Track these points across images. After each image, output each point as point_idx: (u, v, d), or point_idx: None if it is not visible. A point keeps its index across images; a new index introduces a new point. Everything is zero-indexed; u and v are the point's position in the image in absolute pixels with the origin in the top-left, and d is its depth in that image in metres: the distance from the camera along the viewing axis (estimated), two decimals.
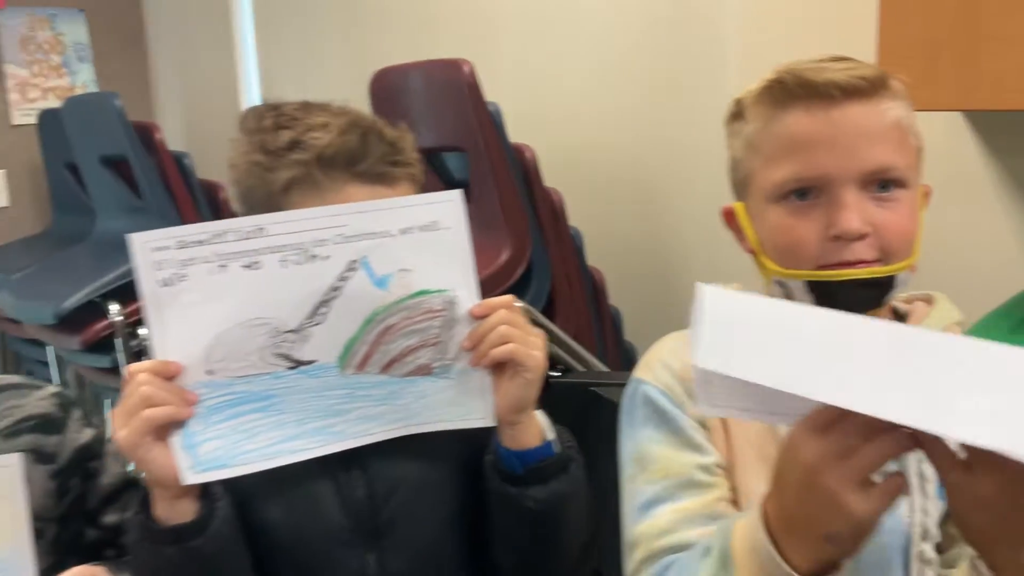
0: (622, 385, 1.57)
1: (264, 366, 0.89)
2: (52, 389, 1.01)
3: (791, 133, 0.85)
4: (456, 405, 0.95)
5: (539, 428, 0.97)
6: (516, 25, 2.36)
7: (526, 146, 1.97)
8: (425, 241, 0.92)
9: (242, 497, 0.92)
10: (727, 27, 1.95)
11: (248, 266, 0.87)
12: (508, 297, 0.94)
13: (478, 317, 0.92)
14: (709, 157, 2.03)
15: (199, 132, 3.34)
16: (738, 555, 0.74)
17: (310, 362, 0.90)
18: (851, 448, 0.64)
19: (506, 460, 0.96)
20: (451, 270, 0.93)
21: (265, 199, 0.96)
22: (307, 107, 0.99)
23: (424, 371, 0.94)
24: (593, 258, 2.10)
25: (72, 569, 0.85)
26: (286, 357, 0.90)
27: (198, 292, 0.87)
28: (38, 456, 0.97)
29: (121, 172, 2.70)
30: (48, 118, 3.12)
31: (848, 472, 0.65)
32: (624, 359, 2.17)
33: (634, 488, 0.94)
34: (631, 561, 0.93)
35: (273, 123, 0.97)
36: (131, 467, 1.01)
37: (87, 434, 1.01)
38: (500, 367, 0.93)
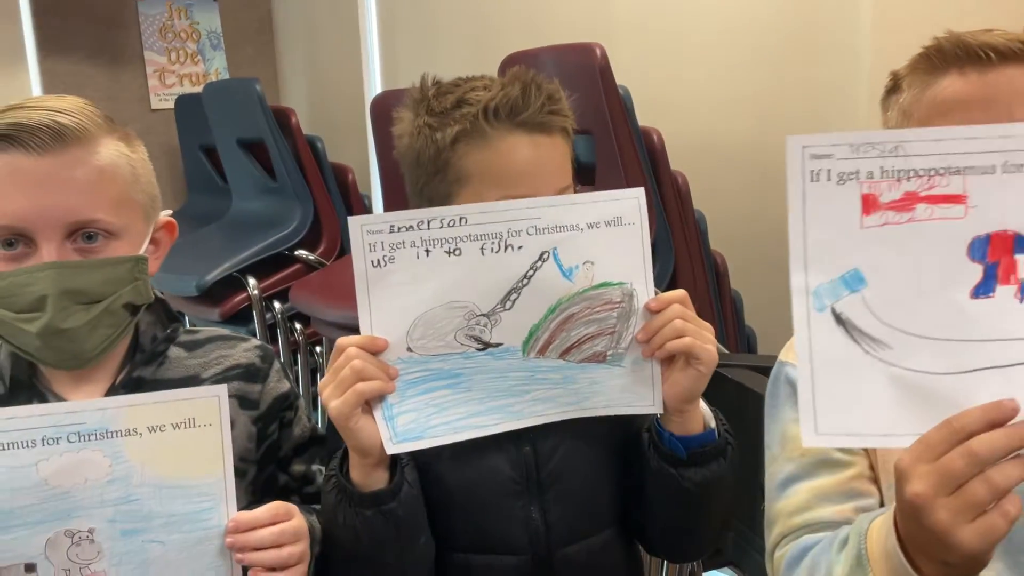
0: (743, 367, 1.62)
1: (457, 346, 0.96)
2: (255, 342, 1.10)
3: (944, 97, 0.87)
4: (626, 392, 1.00)
5: (702, 416, 1.03)
6: (643, 8, 2.39)
7: (654, 129, 2.02)
8: (609, 235, 0.97)
9: (420, 452, 0.99)
10: (859, 10, 1.96)
11: (450, 252, 0.94)
12: (681, 292, 0.99)
13: (654, 311, 0.98)
14: None
15: (324, 118, 3.48)
16: (874, 558, 0.76)
17: (497, 345, 0.97)
18: (962, 480, 0.63)
19: (669, 443, 1.02)
20: (631, 264, 0.98)
21: (434, 156, 1.02)
22: (466, 79, 1.07)
23: (598, 358, 1.00)
24: (716, 242, 2.14)
25: (271, 504, 0.92)
26: (477, 339, 0.97)
27: (404, 273, 0.94)
28: (242, 402, 1.05)
29: (256, 154, 2.85)
30: (185, 103, 3.29)
31: (959, 507, 0.64)
32: (744, 343, 2.21)
33: (775, 468, 1.00)
34: (770, 537, 0.98)
35: (437, 91, 1.05)
36: (314, 422, 1.11)
37: (284, 385, 1.09)
38: (671, 359, 0.98)
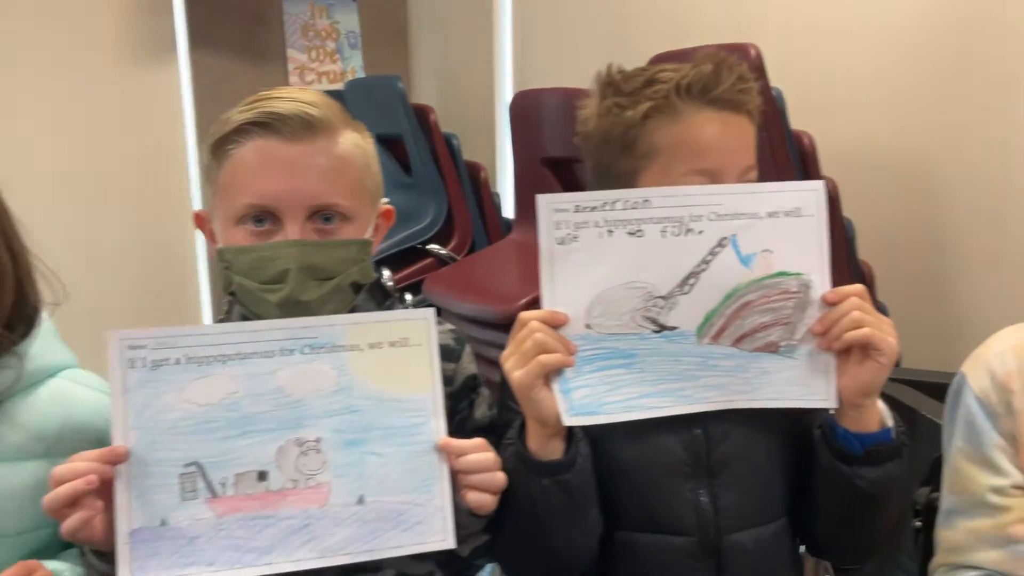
0: (893, 380, 1.57)
1: (633, 327, 0.98)
2: (449, 326, 1.15)
3: None
4: (798, 384, 1.00)
5: (880, 413, 1.01)
6: (792, 8, 2.35)
7: (805, 133, 1.98)
8: (788, 225, 0.98)
9: (592, 428, 1.00)
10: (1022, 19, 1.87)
11: (632, 233, 0.97)
12: (859, 286, 0.99)
13: (831, 303, 0.97)
14: (999, 154, 1.97)
15: (456, 117, 3.54)
16: None
17: (672, 328, 0.98)
18: None
19: (844, 439, 1.00)
20: (809, 255, 0.99)
21: (622, 134, 1.05)
22: (648, 66, 1.10)
23: (771, 348, 1.00)
24: (864, 251, 2.08)
25: (475, 439, 0.97)
26: (653, 321, 0.98)
27: (587, 252, 0.96)
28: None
29: (393, 150, 2.91)
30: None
31: None
32: None
33: (944, 491, 1.02)
34: (936, 558, 1.01)
35: (624, 75, 1.08)
36: (493, 411, 1.13)
37: (473, 368, 1.14)
38: (847, 352, 0.97)
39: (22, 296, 1.04)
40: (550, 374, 0.95)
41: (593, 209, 0.96)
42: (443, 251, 2.77)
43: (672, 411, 0.99)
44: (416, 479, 0.95)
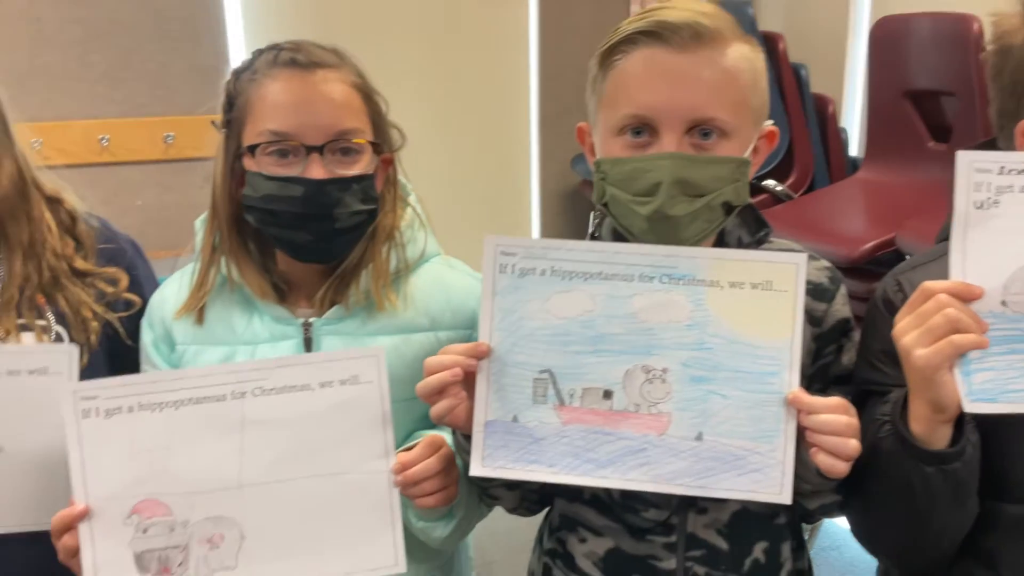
0: None
1: None
2: (825, 263, 1.08)
3: None
4: None
5: None
6: None
7: None
8: None
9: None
10: None
11: None
12: None
13: None
14: None
15: (804, 47, 3.35)
16: None
17: None
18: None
19: None
20: None
21: None
22: None
23: None
24: None
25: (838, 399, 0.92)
26: None
27: (1008, 220, 0.86)
28: (807, 317, 1.03)
29: None
30: None
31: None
32: None
33: None
34: None
35: None
36: None
37: (847, 311, 1.07)
38: None
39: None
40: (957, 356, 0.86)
41: (1020, 172, 0.85)
42: (780, 187, 2.65)
43: None
44: (759, 427, 0.93)
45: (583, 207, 3.66)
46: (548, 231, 3.74)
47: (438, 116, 3.45)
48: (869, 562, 1.12)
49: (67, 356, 1.05)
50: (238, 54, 3.16)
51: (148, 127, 3.06)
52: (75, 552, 0.98)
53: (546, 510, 1.18)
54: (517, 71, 3.59)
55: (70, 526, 0.97)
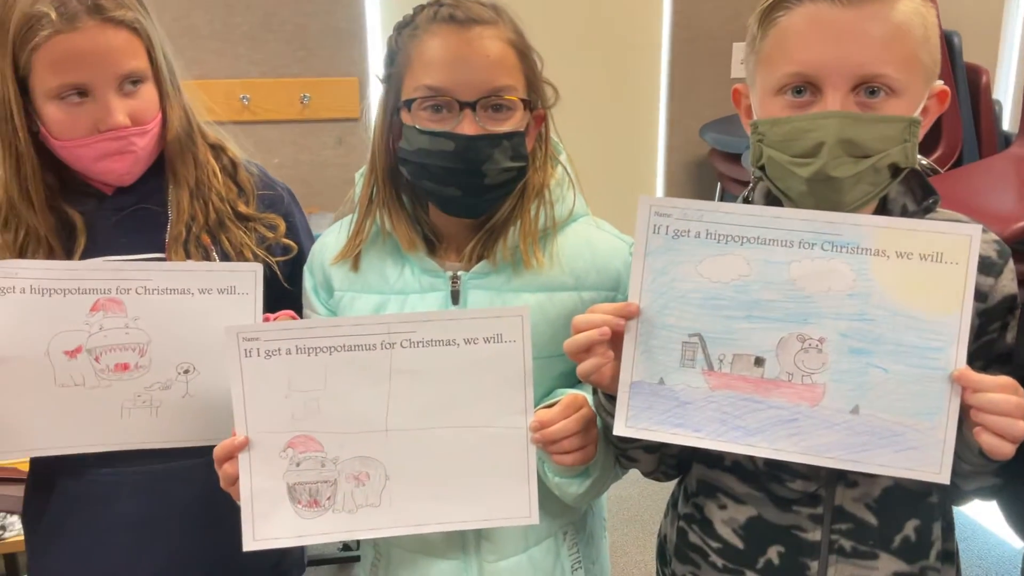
0: None
1: None
2: (993, 236, 1.04)
3: None
4: None
5: None
6: None
7: None
8: None
9: None
10: None
11: None
12: None
13: None
14: None
15: (957, 13, 3.18)
16: None
17: None
18: None
19: None
20: None
21: None
22: None
23: None
24: None
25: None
26: None
27: None
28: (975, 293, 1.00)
29: None
30: None
31: None
32: None
33: None
34: None
35: None
36: None
37: (1013, 287, 1.02)
38: None
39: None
40: None
41: None
42: (925, 161, 2.52)
43: None
44: (920, 404, 0.90)
45: (710, 177, 3.59)
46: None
47: (565, 80, 3.44)
48: (997, 557, 1.08)
49: (253, 276, 1.12)
50: (374, 18, 3.22)
51: (286, 87, 3.17)
52: (234, 480, 1.03)
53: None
54: (648, 36, 3.53)
55: (231, 455, 1.03)
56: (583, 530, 1.25)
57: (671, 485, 1.21)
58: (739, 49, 3.47)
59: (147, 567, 1.26)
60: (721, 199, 3.35)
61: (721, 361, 0.94)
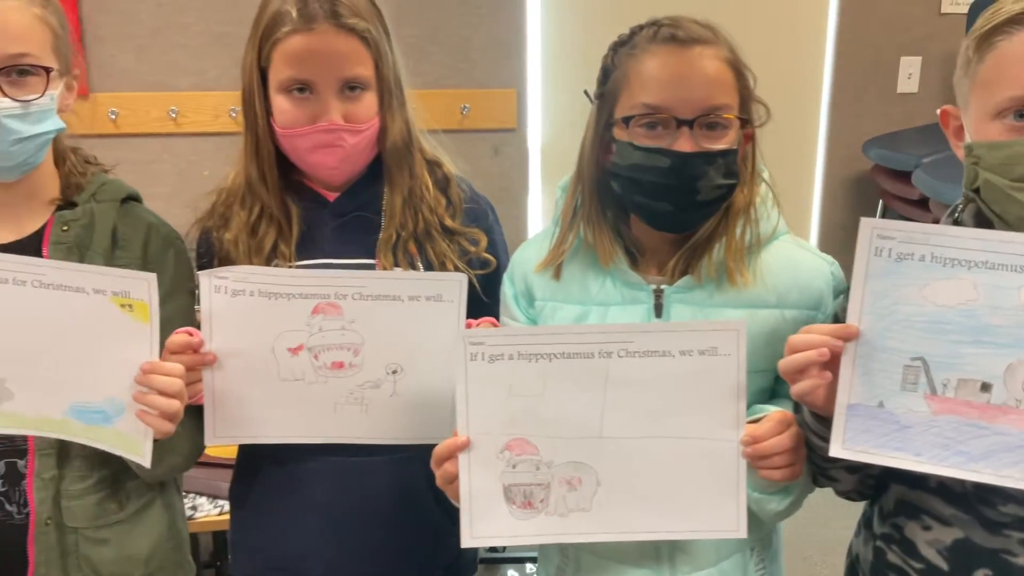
0: None
1: None
2: None
3: None
4: None
5: None
6: None
7: None
8: None
9: None
10: None
11: None
12: None
13: None
14: None
15: None
16: None
17: None
18: None
19: None
20: None
21: None
22: None
23: None
24: None
25: None
26: None
27: None
28: None
29: None
30: (979, 8, 3.10)
31: None
32: None
33: None
34: None
35: None
36: None
37: None
38: None
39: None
40: None
41: None
42: None
43: None
44: None
45: (871, 194, 3.48)
46: (828, 218, 3.60)
47: None
48: None
49: (459, 285, 1.17)
50: (535, 30, 3.28)
51: (447, 98, 3.25)
52: (453, 479, 1.08)
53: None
54: (812, 49, 3.46)
55: (452, 454, 1.07)
56: (769, 547, 1.25)
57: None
58: (907, 63, 3.37)
59: (332, 549, 1.34)
60: (883, 216, 3.24)
61: (945, 386, 0.93)
